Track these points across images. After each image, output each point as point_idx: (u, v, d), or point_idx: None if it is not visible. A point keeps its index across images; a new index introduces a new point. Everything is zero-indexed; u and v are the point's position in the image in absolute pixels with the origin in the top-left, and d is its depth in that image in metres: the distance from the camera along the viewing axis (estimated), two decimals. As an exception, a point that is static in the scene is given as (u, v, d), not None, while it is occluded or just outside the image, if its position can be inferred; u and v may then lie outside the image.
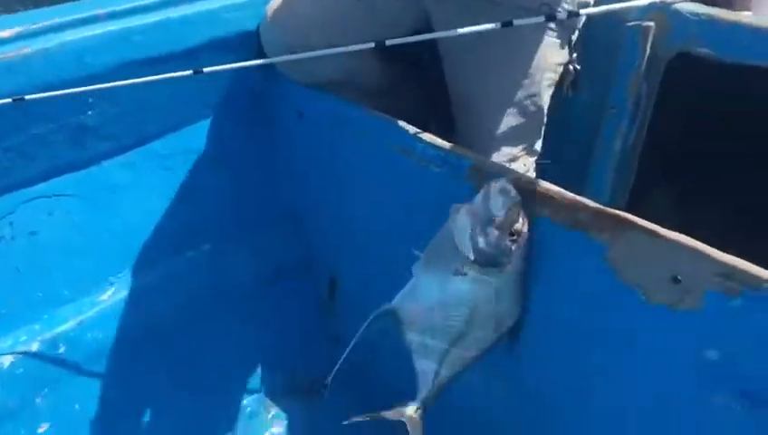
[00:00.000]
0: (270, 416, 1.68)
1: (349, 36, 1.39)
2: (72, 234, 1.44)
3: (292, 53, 1.45)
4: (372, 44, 1.34)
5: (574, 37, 1.54)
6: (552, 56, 1.50)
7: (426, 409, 1.25)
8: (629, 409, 1.22)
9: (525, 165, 1.55)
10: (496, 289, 1.21)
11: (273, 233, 1.72)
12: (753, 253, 1.07)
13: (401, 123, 1.42)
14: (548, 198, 1.19)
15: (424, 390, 1.25)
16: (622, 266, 1.14)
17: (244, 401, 1.66)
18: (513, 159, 1.53)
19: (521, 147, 1.54)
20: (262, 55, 1.54)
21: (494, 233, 1.17)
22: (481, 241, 1.18)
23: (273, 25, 1.54)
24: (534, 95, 1.50)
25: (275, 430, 1.67)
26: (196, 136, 1.57)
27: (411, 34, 1.32)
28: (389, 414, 1.25)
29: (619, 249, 1.13)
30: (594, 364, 1.24)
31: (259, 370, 1.69)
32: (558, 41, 1.50)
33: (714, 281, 1.04)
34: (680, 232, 1.10)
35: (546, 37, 1.48)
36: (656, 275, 1.10)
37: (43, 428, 1.40)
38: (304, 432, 1.68)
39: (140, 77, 1.29)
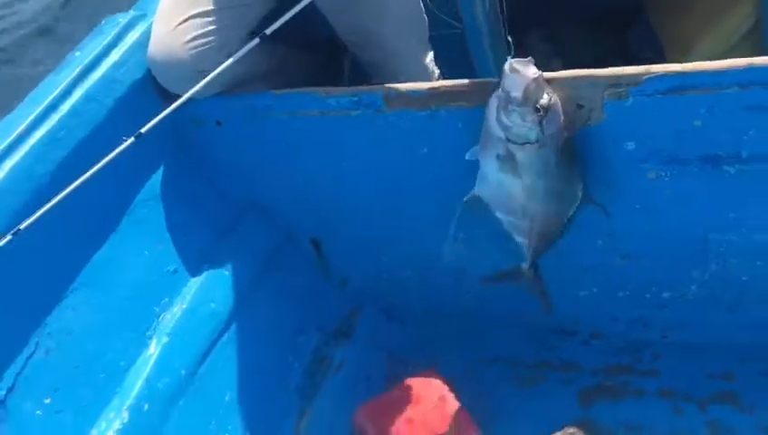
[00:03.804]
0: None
1: (231, 41, 1.52)
2: None
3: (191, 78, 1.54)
4: (257, 40, 1.45)
5: None
6: None
7: (537, 266, 1.48)
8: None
9: (432, 64, 1.75)
10: (542, 163, 1.28)
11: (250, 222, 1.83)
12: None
13: (306, 90, 1.53)
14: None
15: (528, 256, 1.45)
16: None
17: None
18: (428, 65, 1.73)
19: (428, 53, 1.74)
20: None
21: (518, 110, 1.22)
22: (506, 120, 1.24)
23: (165, 64, 1.59)
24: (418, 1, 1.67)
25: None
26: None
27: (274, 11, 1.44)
28: (510, 276, 1.50)
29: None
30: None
31: None
32: None
33: (607, 94, 1.27)
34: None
35: None
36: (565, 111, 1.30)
37: None
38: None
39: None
